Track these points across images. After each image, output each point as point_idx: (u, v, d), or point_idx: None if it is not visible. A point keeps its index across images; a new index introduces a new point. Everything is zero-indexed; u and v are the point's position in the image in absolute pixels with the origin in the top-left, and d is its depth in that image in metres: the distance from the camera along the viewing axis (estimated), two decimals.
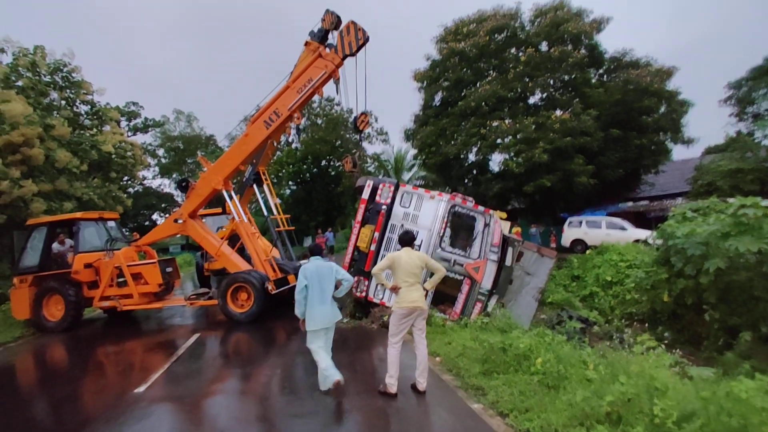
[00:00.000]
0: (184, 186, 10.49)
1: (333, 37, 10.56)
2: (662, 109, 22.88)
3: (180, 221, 10.27)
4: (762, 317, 7.51)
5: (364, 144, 37.83)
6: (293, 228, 14.35)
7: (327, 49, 9.73)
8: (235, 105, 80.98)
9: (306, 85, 9.79)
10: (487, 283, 8.26)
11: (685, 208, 11.66)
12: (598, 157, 21.48)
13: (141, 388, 5.53)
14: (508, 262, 8.39)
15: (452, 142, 23.01)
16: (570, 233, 20.83)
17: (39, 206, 14.37)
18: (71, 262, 10.18)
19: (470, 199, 8.81)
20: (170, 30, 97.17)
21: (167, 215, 41.65)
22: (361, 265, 8.57)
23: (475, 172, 24.89)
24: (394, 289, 5.01)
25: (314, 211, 35.69)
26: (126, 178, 26.72)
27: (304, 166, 35.91)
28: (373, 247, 8.49)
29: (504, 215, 8.65)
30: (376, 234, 8.48)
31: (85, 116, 22.27)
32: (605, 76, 24.32)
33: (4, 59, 18.85)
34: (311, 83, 9.76)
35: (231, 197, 10.31)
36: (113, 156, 20.80)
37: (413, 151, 31.64)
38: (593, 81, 23.52)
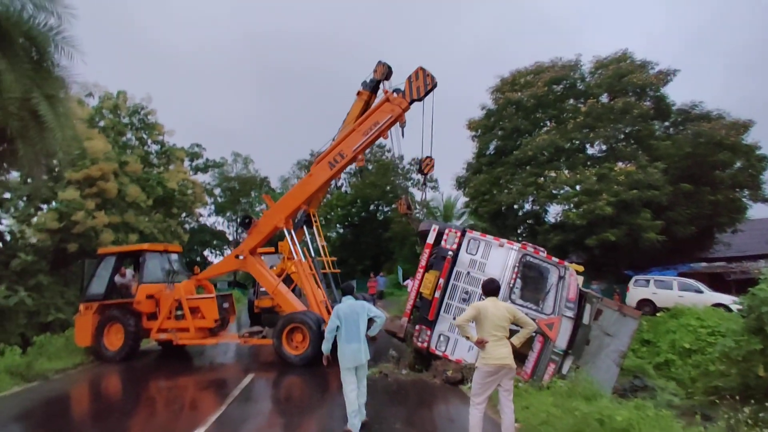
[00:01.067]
0: (247, 222, 10.61)
1: (384, 87, 10.78)
2: (738, 164, 21.50)
3: (241, 257, 10.29)
4: None
5: (413, 190, 37.93)
6: (339, 271, 14.12)
7: (395, 94, 9.80)
8: (289, 149, 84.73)
9: (372, 127, 9.83)
10: (561, 342, 7.53)
11: None
12: (666, 212, 20.23)
13: (199, 431, 5.23)
14: (586, 320, 7.64)
15: (506, 191, 22.53)
16: (636, 292, 19.32)
17: (108, 237, 15.06)
18: (135, 292, 10.37)
19: (542, 249, 8.28)
20: (231, 78, 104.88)
21: (218, 252, 43.01)
22: (424, 312, 8.10)
23: (530, 222, 24.11)
24: (480, 343, 4.53)
25: (361, 254, 35.65)
26: (184, 214, 27.91)
27: (353, 210, 36.32)
28: (437, 294, 8.04)
29: (581, 269, 8.00)
30: (441, 280, 8.05)
31: (154, 155, 23.80)
32: (671, 129, 23.38)
33: (91, 102, 20.66)
34: (377, 126, 9.79)
35: (292, 236, 10.29)
36: (176, 193, 21.84)
37: (463, 199, 31.29)
38: (659, 133, 22.61)
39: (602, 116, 20.91)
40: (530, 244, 8.26)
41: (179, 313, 10.17)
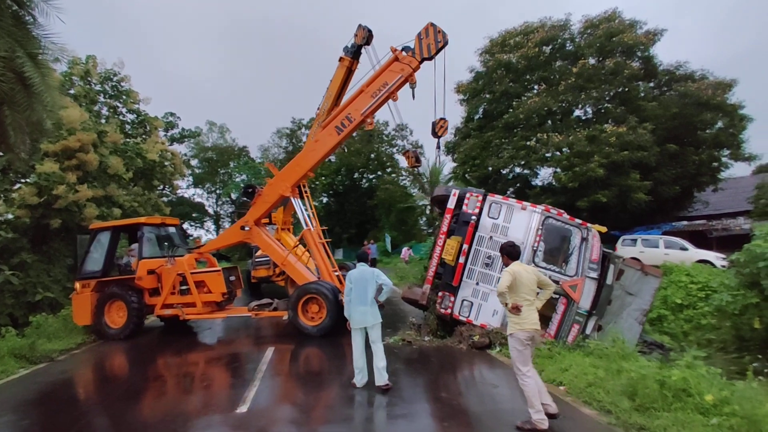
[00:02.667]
0: (250, 192, 10.16)
1: (366, 52, 10.44)
2: (719, 124, 21.93)
3: (246, 228, 9.89)
4: None
5: (397, 157, 37.50)
6: (329, 240, 13.90)
7: (404, 52, 9.31)
8: (267, 118, 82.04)
9: (381, 89, 9.37)
10: (585, 303, 7.58)
11: None
12: (652, 172, 20.59)
13: (242, 408, 5.01)
14: (609, 280, 7.69)
15: (498, 156, 22.42)
16: (623, 252, 19.74)
17: (92, 211, 14.25)
18: (135, 267, 9.88)
19: (563, 212, 8.20)
20: (204, 42, 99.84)
21: (198, 224, 41.94)
22: (448, 279, 7.97)
23: (519, 185, 24.20)
24: (516, 309, 4.41)
25: (347, 223, 35.37)
26: (162, 186, 26.85)
27: (338, 178, 35.73)
28: (461, 260, 7.90)
29: (603, 230, 7.98)
30: (465, 246, 7.90)
31: (130, 124, 22.50)
32: (656, 90, 23.51)
33: (59, 68, 19.14)
34: (386, 87, 9.33)
35: (299, 205, 9.92)
36: (156, 164, 20.81)
37: (450, 165, 31.09)
38: (645, 94, 22.73)
39: (593, 77, 20.80)
40: (552, 207, 8.16)
41: (184, 287, 9.78)
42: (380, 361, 5.56)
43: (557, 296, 7.67)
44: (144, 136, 22.13)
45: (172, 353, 8.37)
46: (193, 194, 41.45)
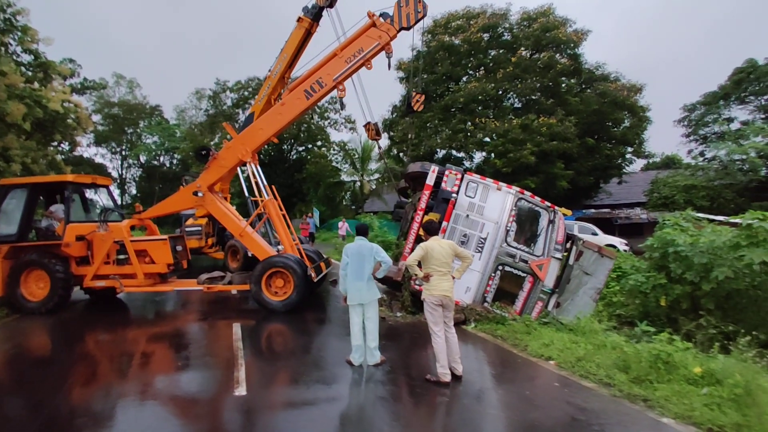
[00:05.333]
0: (204, 154, 9.19)
1: (327, 15, 9.90)
2: (626, 123, 24.47)
3: (200, 194, 8.96)
4: (762, 324, 7.87)
5: (329, 130, 36.62)
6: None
7: (382, 19, 8.92)
8: (186, 76, 74.93)
9: (356, 55, 8.93)
10: (549, 282, 8.07)
11: (677, 217, 12.31)
12: (573, 163, 22.43)
13: (240, 390, 4.55)
14: (571, 261, 8.24)
15: (436, 137, 22.86)
16: None
17: None
18: (60, 232, 8.51)
19: (533, 194, 8.56)
20: None
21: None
22: None
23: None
24: (426, 278, 5.06)
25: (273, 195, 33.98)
26: (57, 142, 23.48)
27: (266, 148, 33.99)
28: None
29: (569, 212, 8.48)
30: (445, 223, 7.92)
31: (25, 67, 19.14)
32: (578, 87, 25.46)
33: None
34: (361, 54, 8.91)
35: (258, 172, 9.22)
36: (59, 116, 18.03)
37: (383, 142, 31.05)
38: (569, 89, 24.49)
39: (529, 68, 21.88)
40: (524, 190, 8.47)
41: (121, 257, 8.67)
42: (372, 341, 5.46)
43: (525, 275, 8.07)
44: (43, 83, 19.00)
45: (119, 330, 7.38)
46: (95, 153, 36.91)
